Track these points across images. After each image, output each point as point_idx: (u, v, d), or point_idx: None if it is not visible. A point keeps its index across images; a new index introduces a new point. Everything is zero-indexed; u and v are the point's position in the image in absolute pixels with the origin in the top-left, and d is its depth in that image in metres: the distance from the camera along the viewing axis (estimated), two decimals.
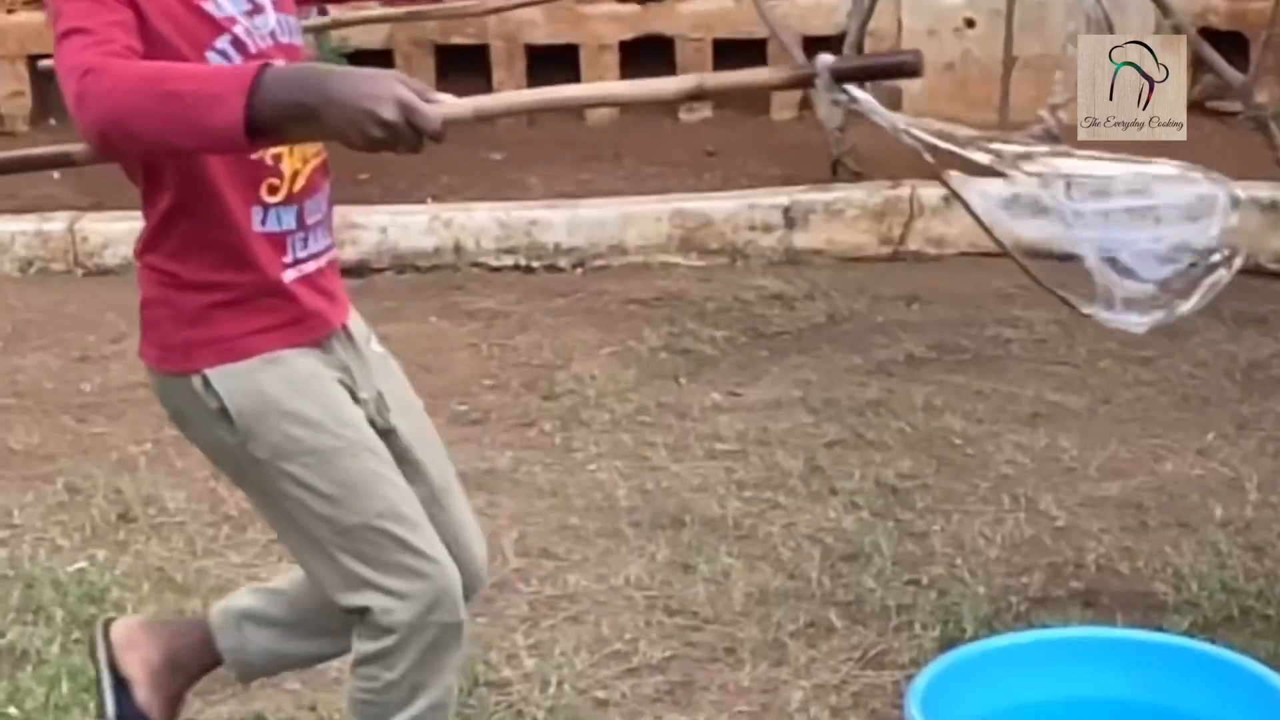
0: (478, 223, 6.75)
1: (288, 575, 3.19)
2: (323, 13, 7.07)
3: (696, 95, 2.57)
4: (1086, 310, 2.61)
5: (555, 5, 8.01)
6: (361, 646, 2.84)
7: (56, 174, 7.09)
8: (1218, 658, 3.02)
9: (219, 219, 2.69)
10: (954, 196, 2.56)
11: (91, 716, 3.64)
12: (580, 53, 8.07)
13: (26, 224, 6.86)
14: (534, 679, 3.79)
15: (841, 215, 6.78)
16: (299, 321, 2.78)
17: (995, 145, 2.50)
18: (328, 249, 2.87)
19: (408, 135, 2.46)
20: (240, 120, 2.41)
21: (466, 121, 2.62)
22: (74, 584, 4.19)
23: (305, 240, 2.80)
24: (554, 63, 8.00)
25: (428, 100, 2.49)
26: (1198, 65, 7.19)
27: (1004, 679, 2.95)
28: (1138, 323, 2.60)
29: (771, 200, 6.83)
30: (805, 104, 7.88)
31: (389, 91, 2.44)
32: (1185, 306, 2.60)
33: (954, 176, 2.53)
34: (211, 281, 2.73)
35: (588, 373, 5.58)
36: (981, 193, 2.52)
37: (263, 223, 2.73)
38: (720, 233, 6.74)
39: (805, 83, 2.51)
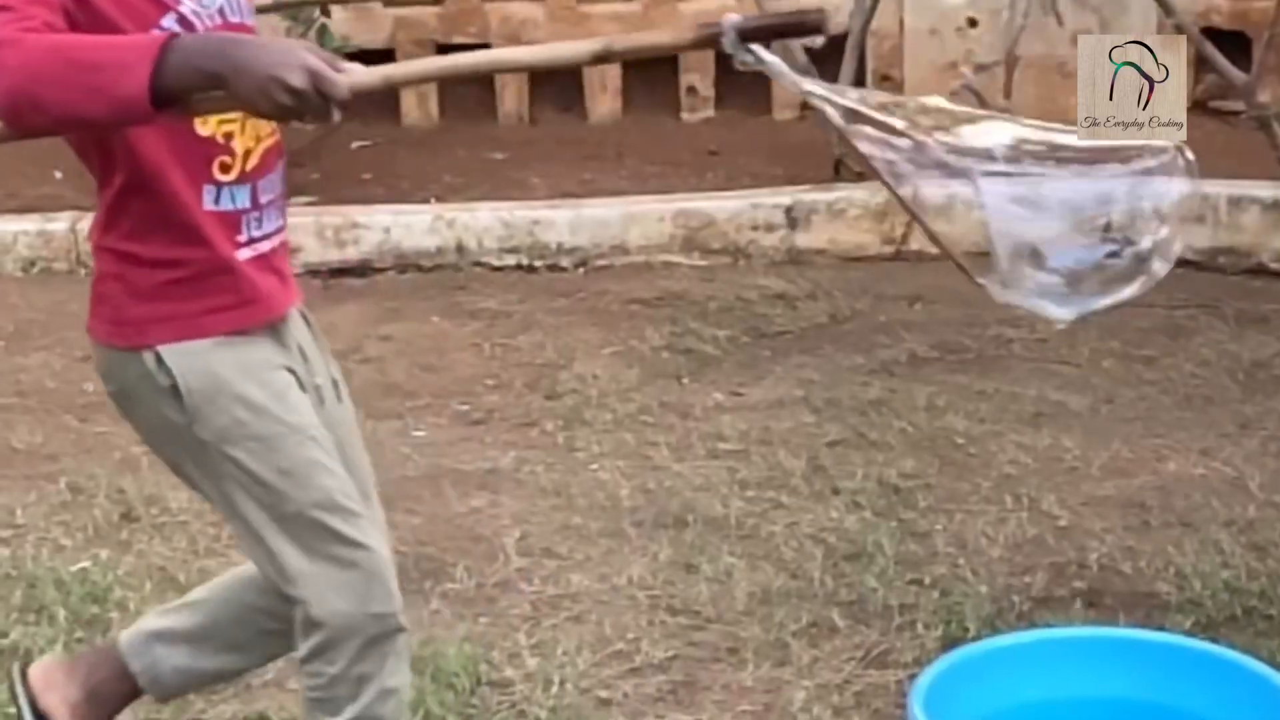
0: (480, 222, 6.75)
1: (195, 593, 3.21)
2: (325, 13, 7.09)
3: (604, 58, 2.55)
4: (980, 280, 2.59)
5: (557, 4, 8.03)
6: (303, 644, 2.85)
7: (59, 173, 7.09)
8: (1220, 657, 3.02)
9: (171, 197, 2.70)
10: (853, 152, 2.57)
11: None
12: None
13: (29, 224, 6.86)
14: (536, 679, 3.79)
15: (844, 215, 6.78)
16: (253, 302, 2.79)
17: (909, 109, 2.49)
18: (280, 229, 2.86)
19: (316, 103, 2.46)
20: (145, 88, 2.41)
21: (376, 90, 2.63)
22: (77, 584, 4.19)
23: (260, 220, 2.80)
24: None
25: (337, 69, 2.49)
26: (1200, 65, 7.19)
27: (1006, 679, 2.95)
28: (1037, 304, 2.57)
29: (774, 200, 6.83)
30: (807, 104, 7.87)
31: (297, 59, 2.45)
32: (1102, 300, 2.57)
33: (862, 137, 2.53)
34: (167, 259, 2.73)
35: (590, 372, 5.58)
36: (888, 151, 2.51)
37: (216, 201, 2.74)
38: (723, 232, 6.74)
39: (712, 43, 2.50)
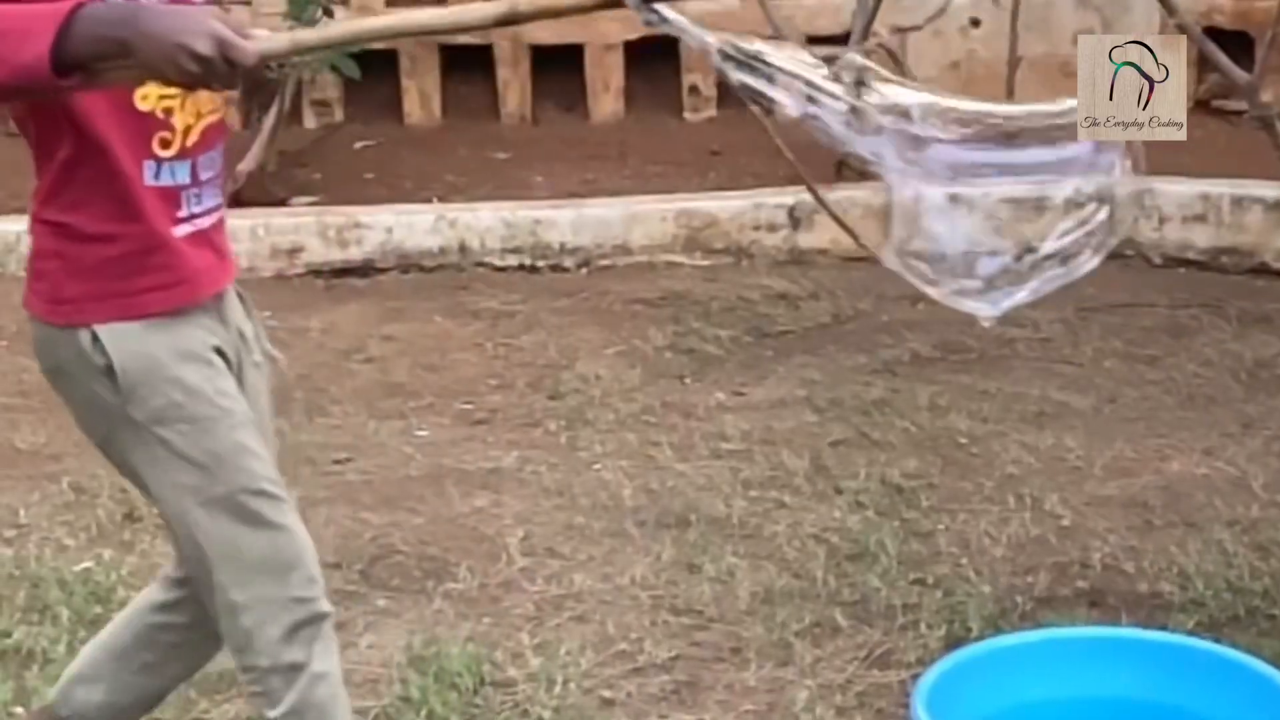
0: (483, 222, 6.75)
1: (103, 631, 3.22)
2: (328, 13, 7.09)
3: (510, 20, 2.54)
4: (870, 246, 2.59)
5: None
6: (229, 642, 2.86)
7: None
8: (1223, 657, 3.02)
9: (114, 171, 2.70)
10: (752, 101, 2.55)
11: None
12: (585, 52, 8.07)
13: None
14: (539, 678, 3.79)
15: (846, 215, 6.77)
16: (189, 280, 2.79)
17: (821, 65, 2.48)
18: (218, 206, 2.87)
19: (222, 70, 2.46)
20: (46, 55, 2.41)
21: (284, 56, 2.63)
22: (80, 584, 4.19)
23: (199, 196, 2.80)
24: (559, 62, 8.01)
25: (245, 36, 2.49)
26: (1203, 64, 7.19)
27: (1009, 678, 2.95)
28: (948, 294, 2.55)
29: (776, 200, 6.83)
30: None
31: (204, 27, 2.45)
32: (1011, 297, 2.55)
33: (777, 89, 2.51)
34: (106, 234, 2.73)
35: (593, 372, 5.58)
36: (805, 105, 2.50)
37: (156, 177, 2.74)
38: (725, 232, 6.74)
39: (617, 2, 2.49)
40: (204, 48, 2.43)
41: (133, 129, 2.71)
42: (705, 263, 6.69)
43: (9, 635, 3.97)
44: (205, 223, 2.82)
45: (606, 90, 8.04)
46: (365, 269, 6.60)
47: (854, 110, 2.46)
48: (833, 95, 2.46)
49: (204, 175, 2.80)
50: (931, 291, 2.53)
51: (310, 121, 7.94)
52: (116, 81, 2.60)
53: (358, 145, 7.77)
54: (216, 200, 2.85)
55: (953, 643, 3.79)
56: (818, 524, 4.49)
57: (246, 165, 7.01)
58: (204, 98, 2.75)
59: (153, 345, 2.76)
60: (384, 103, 7.93)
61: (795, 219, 6.78)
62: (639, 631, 4.01)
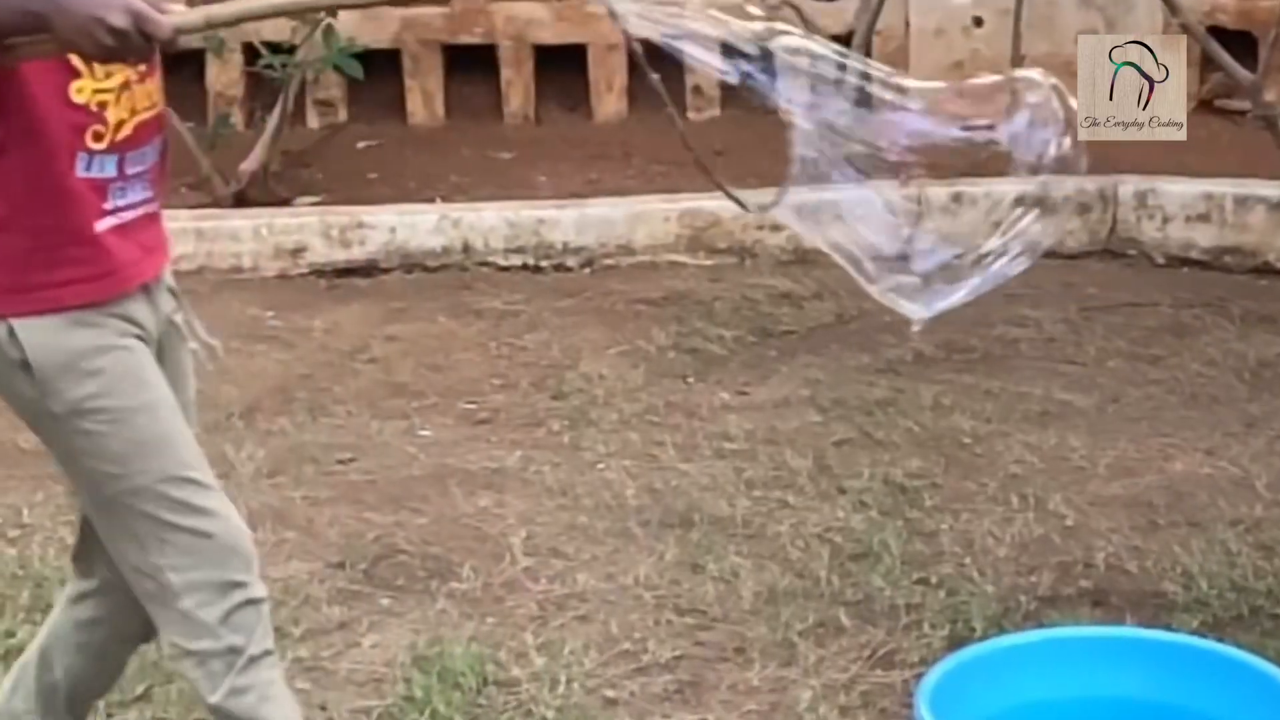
0: (486, 222, 6.75)
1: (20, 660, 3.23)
2: (331, 14, 7.09)
3: (399, 1, 2.59)
4: (747, 206, 2.58)
5: (563, 4, 8.03)
6: (166, 629, 2.87)
7: None
8: (1227, 656, 3.02)
9: (47, 161, 2.72)
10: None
11: (101, 716, 3.65)
12: (588, 52, 8.07)
13: None
14: (543, 678, 3.79)
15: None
16: (111, 274, 2.80)
17: (727, 19, 2.48)
18: (147, 201, 2.87)
19: (138, 43, 2.50)
20: None
21: (198, 30, 2.65)
22: None
23: (124, 190, 2.81)
24: (562, 62, 8.01)
25: (160, 10, 2.52)
26: (1206, 64, 7.20)
27: (1013, 678, 2.95)
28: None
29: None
30: None
31: (119, 1, 2.48)
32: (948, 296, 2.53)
33: (684, 45, 2.51)
34: (32, 224, 2.74)
35: (596, 372, 5.58)
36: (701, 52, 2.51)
37: (86, 169, 2.76)
38: (728, 232, 6.74)
39: None
40: (119, 21, 2.48)
41: (67, 121, 2.72)
42: (709, 262, 6.69)
43: (13, 635, 3.97)
44: (129, 216, 2.82)
45: (610, 90, 8.04)
46: (368, 269, 6.60)
47: (765, 55, 2.46)
48: (744, 46, 2.47)
49: (131, 170, 2.81)
50: (867, 286, 2.52)
51: (313, 121, 7.95)
52: (33, 56, 2.63)
53: (361, 145, 7.77)
54: (145, 195, 2.86)
55: (956, 642, 3.79)
56: (821, 524, 4.49)
57: (250, 165, 7.02)
58: (140, 93, 2.78)
59: (70, 338, 2.77)
60: (387, 103, 7.93)
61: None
62: (642, 631, 4.01)
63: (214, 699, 2.86)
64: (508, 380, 5.58)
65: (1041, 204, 2.52)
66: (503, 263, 6.69)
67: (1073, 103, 2.58)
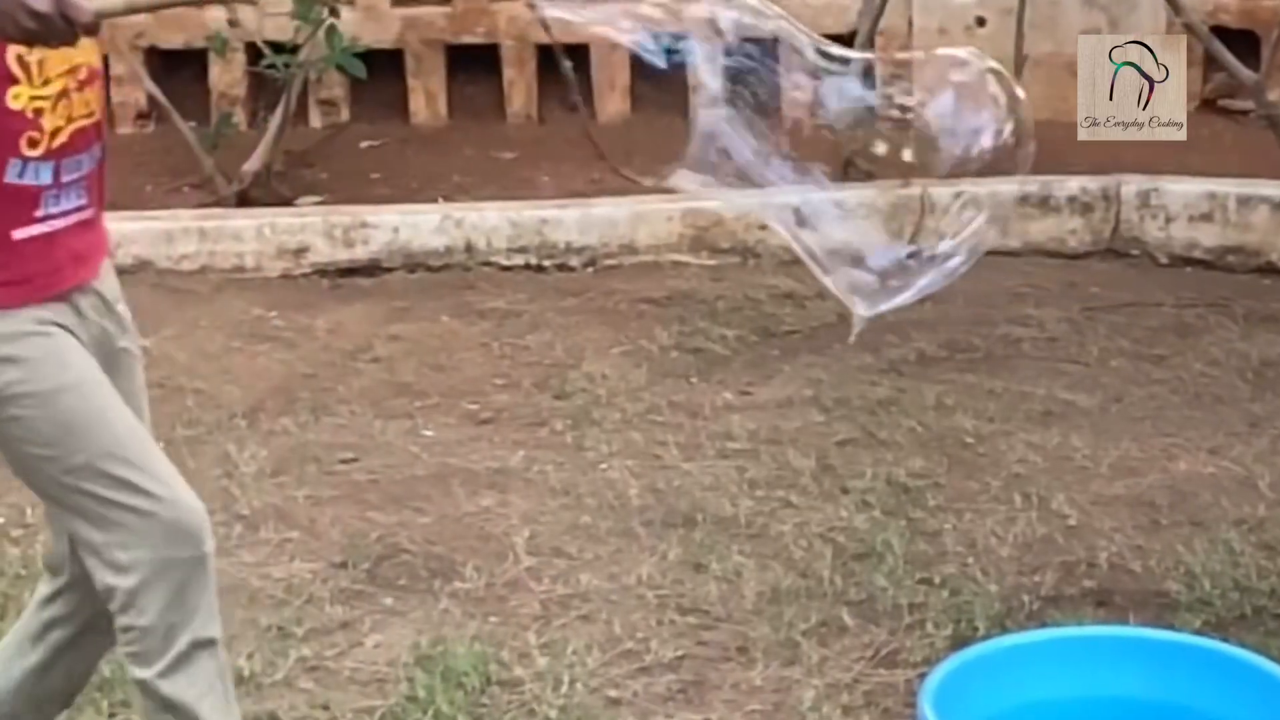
0: (489, 222, 6.75)
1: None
2: (334, 13, 7.09)
3: None
4: (625, 172, 2.57)
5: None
6: (111, 600, 2.87)
7: None
8: (1230, 656, 3.01)
9: None
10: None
11: (105, 715, 3.65)
12: (591, 52, 8.07)
13: None
14: (546, 678, 3.79)
15: (852, 214, 6.77)
16: (25, 282, 2.81)
17: None
18: (81, 208, 2.89)
19: (60, 27, 2.51)
20: None
21: (119, 14, 2.68)
22: None
23: (58, 197, 2.83)
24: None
25: None
26: (1209, 63, 7.19)
27: (1016, 678, 2.95)
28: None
29: (783, 199, 6.81)
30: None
31: None
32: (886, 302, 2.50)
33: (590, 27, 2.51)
34: None
35: (599, 372, 5.58)
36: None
37: (18, 175, 2.77)
38: (731, 232, 6.73)
39: None
40: (42, 5, 2.49)
41: (2, 127, 2.74)
42: (711, 262, 6.68)
43: None
44: (61, 224, 2.84)
45: (612, 90, 8.03)
46: (371, 269, 6.60)
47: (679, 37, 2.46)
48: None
49: (66, 177, 2.83)
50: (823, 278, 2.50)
51: (316, 121, 7.94)
52: None
53: (364, 145, 7.76)
54: (80, 202, 2.88)
55: (959, 642, 3.79)
56: (824, 523, 4.49)
57: (252, 165, 7.02)
58: (78, 101, 2.80)
59: None
60: (390, 102, 7.93)
61: (801, 218, 6.77)
62: (645, 631, 4.01)
63: (143, 674, 2.87)
64: (510, 380, 5.58)
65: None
66: (505, 262, 6.69)
67: (1019, 91, 2.49)
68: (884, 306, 2.51)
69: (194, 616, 2.86)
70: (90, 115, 2.85)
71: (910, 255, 2.51)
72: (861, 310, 2.51)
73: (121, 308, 3.00)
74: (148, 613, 2.84)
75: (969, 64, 2.42)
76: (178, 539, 2.84)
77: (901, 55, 2.57)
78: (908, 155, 2.47)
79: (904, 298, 2.51)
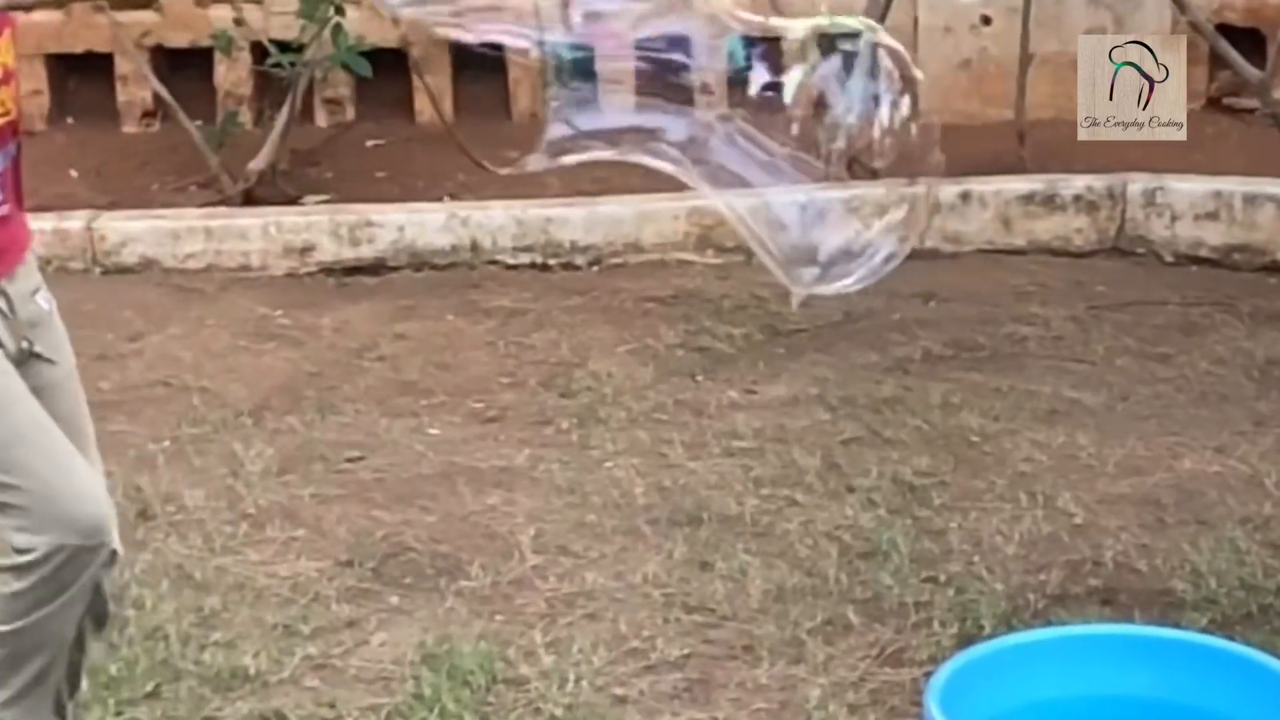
0: (494, 221, 6.75)
1: None
2: (340, 12, 7.10)
3: None
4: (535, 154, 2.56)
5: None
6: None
7: (75, 172, 7.10)
8: (1236, 655, 3.02)
9: None
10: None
11: (112, 714, 3.66)
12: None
13: (44, 222, 6.86)
14: (552, 676, 3.79)
15: (858, 213, 6.76)
16: None
17: None
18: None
19: None
20: None
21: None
22: None
23: None
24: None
25: None
26: (1215, 62, 7.19)
27: (1022, 676, 2.95)
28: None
29: (787, 198, 6.81)
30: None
31: None
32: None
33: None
34: None
35: (605, 370, 5.58)
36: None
37: None
38: (736, 230, 6.72)
39: None
40: None
41: None
42: (717, 261, 6.68)
43: None
44: None
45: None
46: (377, 267, 6.60)
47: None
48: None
49: None
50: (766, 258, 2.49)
51: (322, 120, 7.94)
52: None
53: (369, 144, 7.76)
54: None
55: (965, 640, 3.79)
56: (830, 522, 4.49)
57: (258, 164, 7.02)
58: None
59: None
60: (395, 101, 7.92)
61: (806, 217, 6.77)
62: (651, 629, 4.01)
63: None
64: (516, 378, 5.58)
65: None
66: (511, 261, 6.70)
67: (917, 73, 2.38)
68: (822, 289, 2.49)
69: (61, 602, 2.95)
70: (5, 114, 2.87)
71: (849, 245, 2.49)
72: (799, 289, 2.49)
73: (40, 300, 3.05)
74: (25, 579, 2.93)
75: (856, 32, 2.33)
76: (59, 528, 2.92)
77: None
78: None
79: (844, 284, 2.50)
